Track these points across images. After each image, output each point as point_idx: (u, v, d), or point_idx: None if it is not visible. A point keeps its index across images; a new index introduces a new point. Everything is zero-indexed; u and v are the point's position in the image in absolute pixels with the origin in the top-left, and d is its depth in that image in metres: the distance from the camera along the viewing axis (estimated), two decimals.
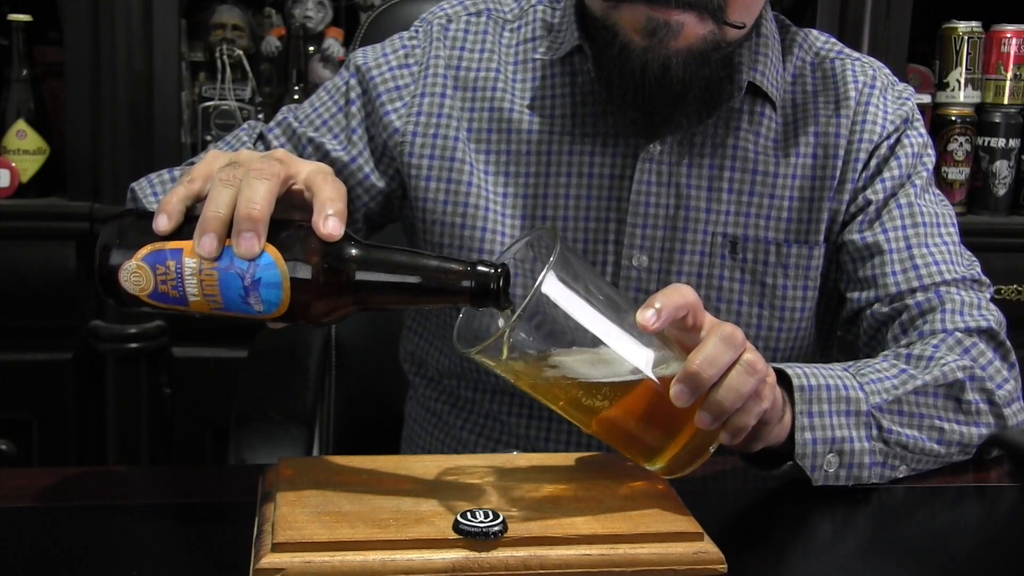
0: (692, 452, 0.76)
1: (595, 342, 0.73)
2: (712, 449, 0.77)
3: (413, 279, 0.72)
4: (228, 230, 0.71)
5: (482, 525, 0.69)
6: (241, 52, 1.91)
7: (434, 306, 0.76)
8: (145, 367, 1.84)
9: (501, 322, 0.73)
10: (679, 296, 0.74)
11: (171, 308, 0.74)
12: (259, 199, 0.70)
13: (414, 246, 1.11)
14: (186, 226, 0.72)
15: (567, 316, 0.72)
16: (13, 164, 1.78)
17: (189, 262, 0.71)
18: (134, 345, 1.81)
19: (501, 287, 0.71)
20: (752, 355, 0.76)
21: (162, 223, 0.72)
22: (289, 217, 0.73)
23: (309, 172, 0.75)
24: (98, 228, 1.75)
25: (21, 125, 1.80)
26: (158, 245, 0.72)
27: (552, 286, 0.71)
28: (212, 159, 0.76)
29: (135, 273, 0.72)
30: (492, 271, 0.71)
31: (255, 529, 0.73)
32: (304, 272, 0.71)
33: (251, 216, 0.70)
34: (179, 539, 0.78)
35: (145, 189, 1.05)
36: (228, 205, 0.71)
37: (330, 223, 0.71)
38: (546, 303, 0.71)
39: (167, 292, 0.72)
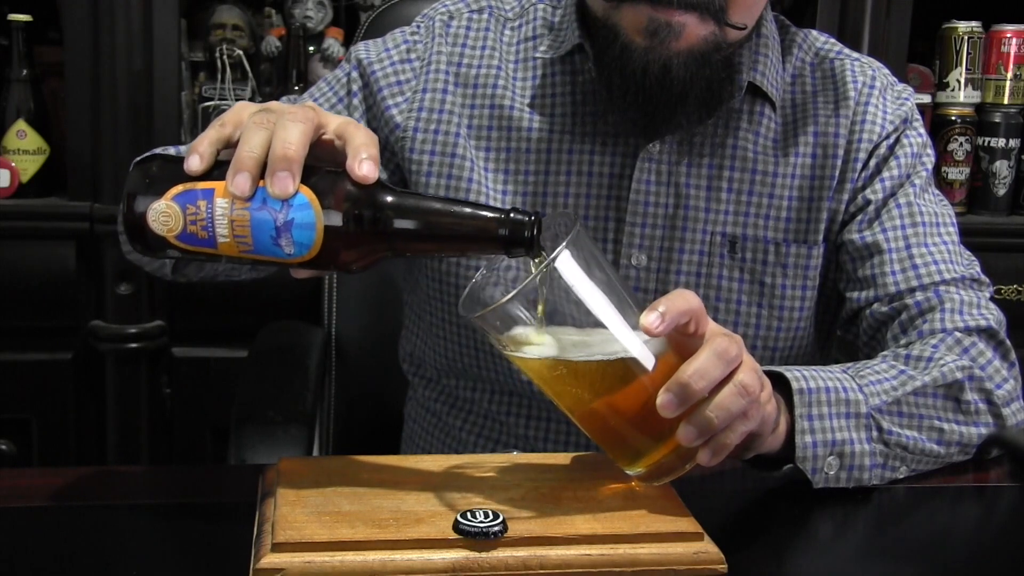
0: (680, 458, 0.76)
1: (596, 326, 0.73)
2: (689, 466, 0.76)
3: (448, 225, 0.72)
4: (261, 172, 0.71)
5: (482, 525, 0.69)
6: (241, 52, 1.91)
7: (467, 253, 0.76)
8: (145, 367, 1.84)
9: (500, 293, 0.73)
10: (683, 301, 0.74)
11: (199, 251, 0.73)
12: (294, 140, 0.70)
13: None
14: (216, 170, 0.72)
15: (573, 294, 0.72)
16: (13, 164, 1.78)
17: (220, 202, 0.71)
18: (134, 345, 1.81)
19: (535, 235, 0.71)
20: (746, 376, 0.75)
21: (194, 163, 0.72)
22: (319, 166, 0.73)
23: (340, 122, 0.75)
24: (98, 228, 1.76)
25: (21, 125, 1.80)
26: (189, 185, 0.72)
27: (565, 263, 0.71)
28: (241, 108, 0.76)
29: (164, 213, 0.72)
30: (527, 219, 0.71)
31: (255, 529, 0.73)
32: (338, 213, 0.71)
33: (287, 155, 0.70)
34: (179, 539, 0.78)
35: None
36: (262, 146, 0.71)
37: (365, 166, 0.71)
38: (557, 279, 0.71)
39: (196, 232, 0.72)
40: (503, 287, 0.76)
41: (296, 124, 0.71)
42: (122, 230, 1.02)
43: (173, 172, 0.73)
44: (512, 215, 0.72)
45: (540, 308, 0.72)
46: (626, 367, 0.74)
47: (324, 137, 0.75)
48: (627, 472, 0.78)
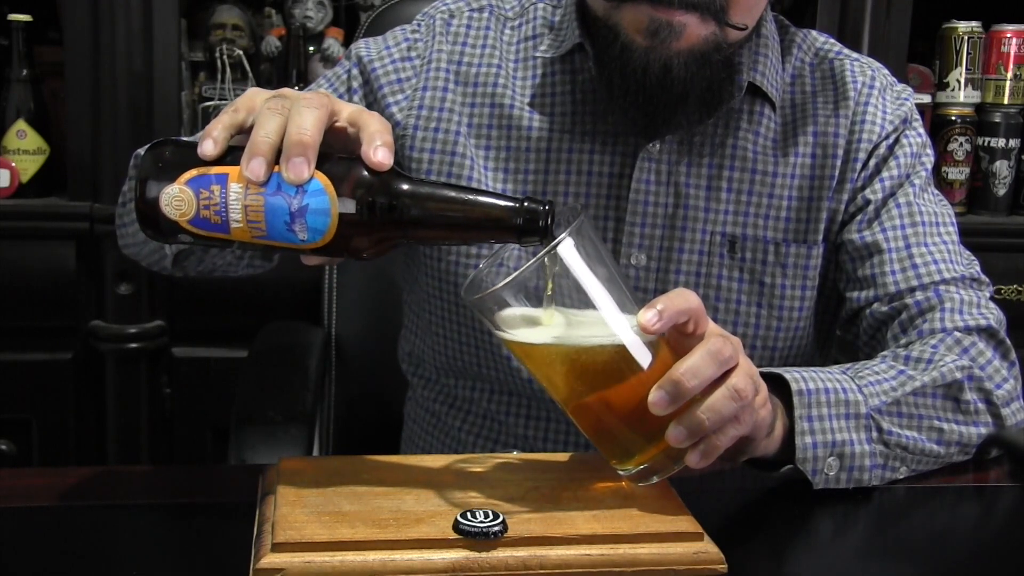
0: (670, 458, 0.76)
1: (595, 318, 0.73)
2: (678, 467, 0.76)
3: (463, 214, 0.72)
4: (276, 157, 0.71)
5: (482, 525, 0.69)
6: (241, 52, 1.91)
7: (480, 241, 0.77)
8: (145, 367, 1.84)
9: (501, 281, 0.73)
10: (683, 300, 0.74)
11: (211, 236, 0.73)
12: (309, 126, 0.71)
13: None
14: (229, 155, 0.72)
15: (574, 282, 0.72)
16: (13, 164, 1.78)
17: (234, 187, 0.71)
18: (134, 345, 1.81)
19: (549, 224, 0.72)
20: (740, 379, 0.75)
21: (208, 148, 0.72)
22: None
23: (352, 109, 0.75)
24: (98, 228, 1.76)
25: (21, 125, 1.80)
26: (203, 169, 0.72)
27: (567, 250, 0.71)
28: (254, 94, 0.76)
29: (177, 197, 0.72)
30: (541, 208, 0.72)
31: (255, 529, 0.73)
32: (352, 200, 0.71)
33: (302, 141, 0.70)
34: (179, 539, 0.78)
35: None
36: (277, 132, 0.71)
37: (380, 153, 0.71)
38: (558, 265, 0.71)
39: (208, 217, 0.72)
40: (505, 276, 0.76)
41: (311, 110, 0.71)
42: (120, 223, 1.02)
43: (186, 157, 0.73)
44: (527, 204, 0.72)
45: (548, 289, 0.72)
46: (621, 361, 0.74)
47: (337, 124, 0.75)
48: (618, 471, 0.78)
